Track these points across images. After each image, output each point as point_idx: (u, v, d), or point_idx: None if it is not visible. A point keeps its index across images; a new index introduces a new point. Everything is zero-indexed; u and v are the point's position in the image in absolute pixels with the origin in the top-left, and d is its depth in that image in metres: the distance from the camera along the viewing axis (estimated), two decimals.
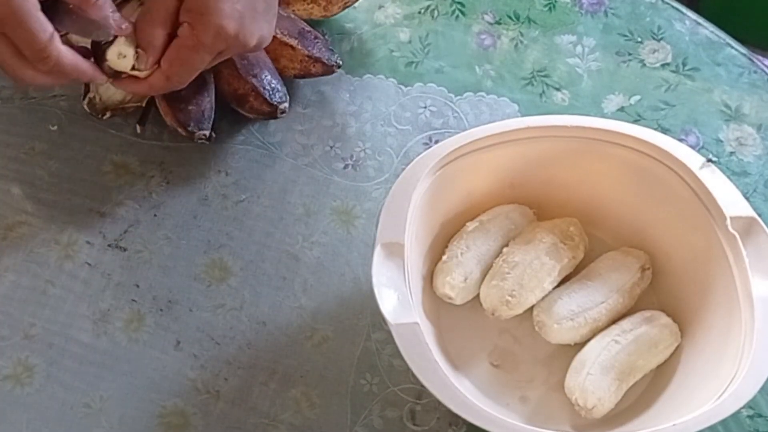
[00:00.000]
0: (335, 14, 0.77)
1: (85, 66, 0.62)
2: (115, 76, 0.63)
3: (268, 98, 0.70)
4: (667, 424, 0.54)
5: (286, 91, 0.72)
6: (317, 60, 0.73)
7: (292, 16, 0.74)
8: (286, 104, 0.71)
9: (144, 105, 0.73)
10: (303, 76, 0.74)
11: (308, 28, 0.74)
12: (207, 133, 0.70)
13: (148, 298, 0.68)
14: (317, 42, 0.73)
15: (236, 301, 0.68)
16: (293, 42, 0.72)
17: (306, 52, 0.72)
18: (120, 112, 0.73)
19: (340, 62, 0.74)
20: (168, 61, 0.62)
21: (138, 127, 0.74)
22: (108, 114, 0.72)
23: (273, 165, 0.74)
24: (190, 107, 0.69)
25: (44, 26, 0.58)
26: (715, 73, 0.77)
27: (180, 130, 0.70)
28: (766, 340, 0.56)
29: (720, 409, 0.54)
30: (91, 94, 0.71)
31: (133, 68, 0.63)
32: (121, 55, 0.62)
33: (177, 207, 0.72)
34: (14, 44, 0.59)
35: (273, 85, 0.71)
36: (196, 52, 0.62)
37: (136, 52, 0.62)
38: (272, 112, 0.71)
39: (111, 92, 0.71)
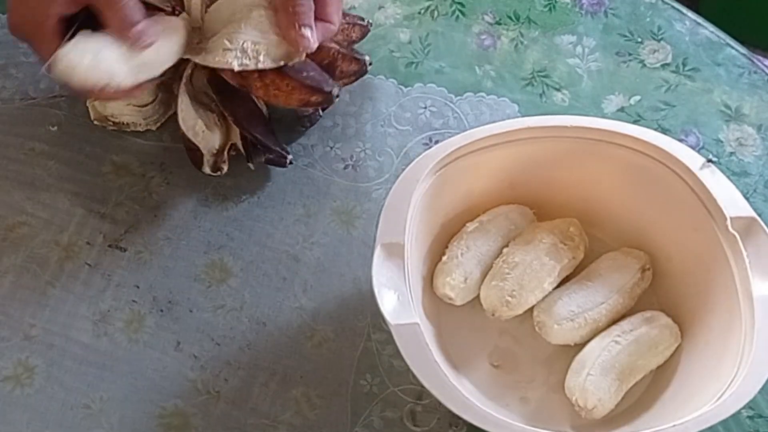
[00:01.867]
0: None
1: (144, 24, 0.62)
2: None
3: (354, 55, 0.71)
4: (668, 425, 0.54)
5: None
6: (355, 24, 0.74)
7: None
8: (368, 56, 0.72)
9: (240, 141, 0.72)
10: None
11: None
12: (338, 89, 0.68)
13: (148, 299, 0.68)
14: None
15: (236, 302, 0.68)
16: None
17: (343, 21, 0.73)
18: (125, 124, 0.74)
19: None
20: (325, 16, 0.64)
21: (251, 165, 0.72)
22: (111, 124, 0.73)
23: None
24: (311, 73, 0.67)
25: None
26: (715, 74, 0.77)
27: (314, 98, 0.67)
28: (766, 340, 0.56)
29: (720, 410, 0.54)
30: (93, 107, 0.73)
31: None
32: (254, 44, 0.63)
33: (177, 207, 0.72)
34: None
35: (347, 44, 0.71)
36: None
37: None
38: (362, 68, 0.72)
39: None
